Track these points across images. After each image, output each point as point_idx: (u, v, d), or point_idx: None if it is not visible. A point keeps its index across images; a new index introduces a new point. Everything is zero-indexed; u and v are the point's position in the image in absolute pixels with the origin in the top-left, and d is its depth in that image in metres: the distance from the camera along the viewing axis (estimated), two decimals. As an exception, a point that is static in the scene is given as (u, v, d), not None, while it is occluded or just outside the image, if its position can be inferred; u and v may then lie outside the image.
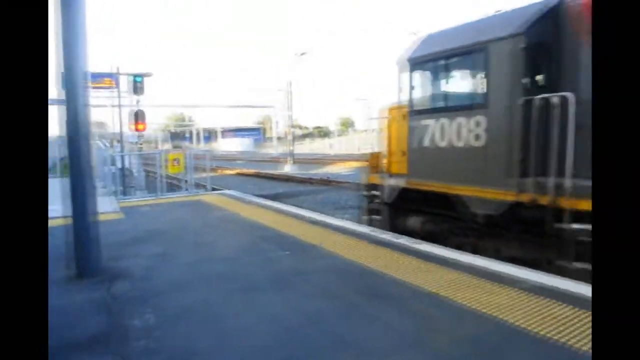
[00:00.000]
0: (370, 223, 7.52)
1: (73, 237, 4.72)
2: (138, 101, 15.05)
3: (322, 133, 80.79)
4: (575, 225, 4.64)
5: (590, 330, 2.91)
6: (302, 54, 35.43)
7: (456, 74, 6.21)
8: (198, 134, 70.18)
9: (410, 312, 3.42)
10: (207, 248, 5.85)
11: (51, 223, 5.78)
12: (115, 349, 3.02)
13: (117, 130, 16.02)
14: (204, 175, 18.73)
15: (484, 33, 5.53)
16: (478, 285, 3.93)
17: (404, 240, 5.55)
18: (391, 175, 7.20)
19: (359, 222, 7.68)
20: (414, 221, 6.82)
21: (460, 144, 5.76)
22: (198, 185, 15.37)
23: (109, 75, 15.56)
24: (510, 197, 5.19)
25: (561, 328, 3.02)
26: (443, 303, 3.56)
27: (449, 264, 4.57)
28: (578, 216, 4.64)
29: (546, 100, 4.93)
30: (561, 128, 4.84)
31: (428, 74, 6.48)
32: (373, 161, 7.73)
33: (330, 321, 3.32)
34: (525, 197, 5.08)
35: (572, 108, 4.69)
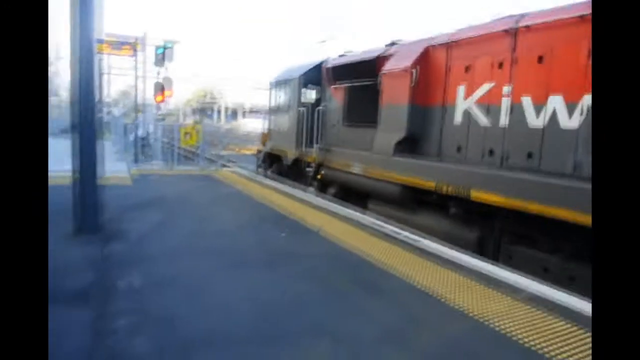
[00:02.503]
0: (259, 171, 12.88)
1: (76, 195, 4.77)
2: (159, 73, 14.68)
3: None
4: (308, 169, 9.80)
5: (584, 348, 2.79)
6: (323, 41, 37.44)
7: (283, 92, 11.28)
8: (220, 111, 68.48)
9: (399, 307, 3.32)
10: (207, 222, 5.85)
11: (60, 180, 5.89)
12: (95, 305, 3.03)
13: (141, 100, 15.85)
14: (224, 152, 18.69)
15: (291, 73, 10.92)
16: (475, 288, 3.77)
17: (405, 235, 5.44)
18: (264, 144, 12.62)
19: (256, 172, 12.55)
20: (273, 167, 12.34)
21: (283, 129, 11.11)
22: (212, 161, 15.37)
23: (129, 42, 14.98)
24: (293, 155, 10.45)
25: (555, 341, 2.86)
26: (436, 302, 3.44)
27: (447, 262, 4.44)
28: (309, 164, 9.78)
29: (310, 109, 9.89)
30: (312, 123, 9.73)
31: (274, 91, 11.92)
32: (263, 137, 12.95)
33: (314, 307, 3.25)
34: (297, 156, 10.33)
35: (321, 113, 9.58)
